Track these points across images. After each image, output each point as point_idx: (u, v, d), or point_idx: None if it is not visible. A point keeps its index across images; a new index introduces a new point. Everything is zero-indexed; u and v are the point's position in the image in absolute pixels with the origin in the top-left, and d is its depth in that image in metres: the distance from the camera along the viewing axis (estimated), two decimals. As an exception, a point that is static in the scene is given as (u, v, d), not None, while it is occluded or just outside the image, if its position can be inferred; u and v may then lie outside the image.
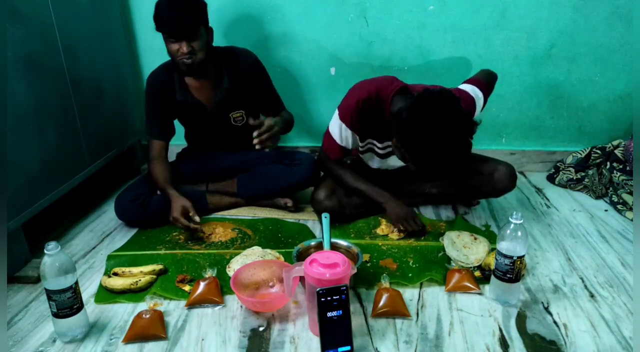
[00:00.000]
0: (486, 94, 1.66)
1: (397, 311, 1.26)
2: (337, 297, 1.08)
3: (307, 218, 1.82)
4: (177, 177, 1.79)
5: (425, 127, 1.27)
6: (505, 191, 1.75)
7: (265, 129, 1.57)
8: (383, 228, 1.68)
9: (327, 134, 1.66)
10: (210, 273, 1.36)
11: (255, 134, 1.56)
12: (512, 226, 1.24)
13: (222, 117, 1.81)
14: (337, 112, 1.61)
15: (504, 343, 1.17)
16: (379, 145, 1.65)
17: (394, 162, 1.70)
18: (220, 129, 1.85)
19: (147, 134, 1.83)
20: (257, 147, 1.57)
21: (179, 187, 1.71)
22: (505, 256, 1.25)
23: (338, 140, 1.63)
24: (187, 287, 1.38)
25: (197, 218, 1.59)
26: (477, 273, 1.42)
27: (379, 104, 1.52)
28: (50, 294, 1.12)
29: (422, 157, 1.34)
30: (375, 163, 1.75)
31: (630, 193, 1.92)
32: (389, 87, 1.52)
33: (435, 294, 1.36)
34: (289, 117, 1.87)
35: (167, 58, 2.20)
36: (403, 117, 1.32)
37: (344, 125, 1.59)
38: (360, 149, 1.68)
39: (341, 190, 1.72)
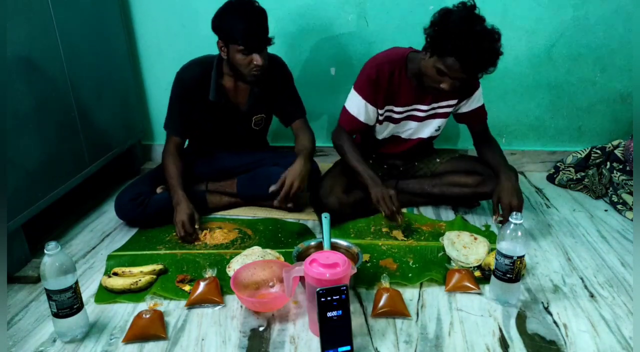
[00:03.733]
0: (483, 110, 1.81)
1: (397, 311, 1.26)
2: (337, 297, 1.08)
3: (307, 218, 1.82)
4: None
5: (460, 20, 1.44)
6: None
7: (284, 193, 1.61)
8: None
9: (343, 110, 1.76)
10: (210, 273, 1.36)
11: (275, 202, 1.62)
12: (512, 226, 1.24)
13: (247, 119, 1.83)
14: (352, 89, 1.72)
15: (504, 343, 1.17)
16: (396, 109, 1.74)
17: (406, 127, 1.80)
18: (240, 131, 1.85)
19: (166, 129, 1.80)
20: (275, 204, 1.63)
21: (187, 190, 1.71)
22: (505, 256, 1.25)
23: (353, 113, 1.72)
24: (187, 287, 1.38)
25: (197, 227, 1.63)
26: (477, 273, 1.42)
27: (393, 68, 1.65)
28: (50, 294, 1.12)
29: (455, 45, 1.43)
30: (386, 131, 1.81)
31: (630, 193, 1.92)
32: (399, 51, 1.70)
33: (435, 294, 1.36)
34: (310, 144, 1.78)
35: (166, 57, 2.23)
36: (438, 16, 1.49)
37: (359, 97, 1.69)
38: (379, 117, 1.75)
39: (340, 188, 1.74)
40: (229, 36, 1.57)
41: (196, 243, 1.62)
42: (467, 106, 1.76)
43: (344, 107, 1.75)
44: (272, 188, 1.62)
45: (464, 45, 1.42)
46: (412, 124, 1.79)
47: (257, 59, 1.58)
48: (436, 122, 1.79)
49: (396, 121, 1.77)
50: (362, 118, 1.72)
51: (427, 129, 1.81)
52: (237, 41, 1.55)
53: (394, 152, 1.88)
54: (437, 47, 1.48)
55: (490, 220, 1.80)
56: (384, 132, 1.82)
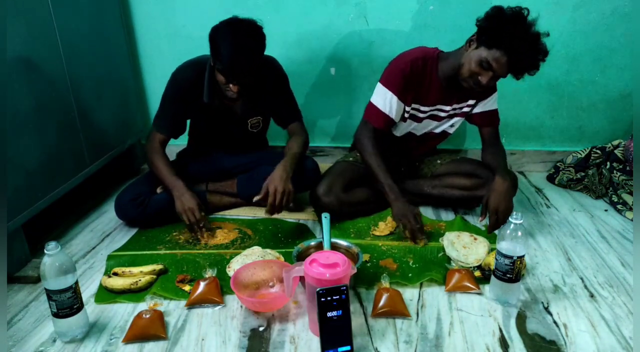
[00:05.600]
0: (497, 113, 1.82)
1: (397, 311, 1.26)
2: (337, 297, 1.08)
3: (307, 218, 1.82)
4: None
5: (517, 19, 1.47)
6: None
7: (270, 203, 1.55)
8: (382, 229, 1.68)
9: (370, 106, 1.70)
10: (210, 273, 1.36)
11: (265, 213, 1.57)
12: (512, 226, 1.24)
13: (243, 122, 1.82)
14: (379, 85, 1.68)
15: (504, 343, 1.17)
16: (422, 109, 1.73)
17: (426, 125, 1.80)
18: (237, 133, 1.85)
19: (155, 126, 1.77)
20: (265, 215, 1.59)
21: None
22: (505, 256, 1.25)
23: (382, 109, 1.67)
24: (187, 287, 1.38)
25: (203, 214, 1.62)
26: (477, 273, 1.42)
27: (426, 65, 1.65)
28: (50, 294, 1.12)
29: (510, 41, 1.45)
30: (407, 129, 1.80)
31: (630, 193, 1.92)
32: (429, 49, 1.69)
33: (435, 294, 1.36)
34: (299, 148, 1.74)
35: (166, 57, 2.23)
36: (493, 12, 1.50)
37: (389, 93, 1.65)
38: (405, 115, 1.73)
39: (339, 187, 1.73)
40: (216, 56, 1.52)
41: (205, 237, 1.62)
42: (481, 107, 1.77)
43: (371, 102, 1.69)
44: (256, 198, 1.57)
45: (519, 43, 1.44)
46: (432, 123, 1.80)
47: (232, 88, 1.55)
48: (452, 120, 1.80)
49: (419, 120, 1.77)
50: (393, 115, 1.67)
51: (442, 126, 1.82)
52: (220, 66, 1.52)
53: (402, 147, 1.87)
54: (490, 38, 1.48)
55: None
56: (404, 129, 1.81)
